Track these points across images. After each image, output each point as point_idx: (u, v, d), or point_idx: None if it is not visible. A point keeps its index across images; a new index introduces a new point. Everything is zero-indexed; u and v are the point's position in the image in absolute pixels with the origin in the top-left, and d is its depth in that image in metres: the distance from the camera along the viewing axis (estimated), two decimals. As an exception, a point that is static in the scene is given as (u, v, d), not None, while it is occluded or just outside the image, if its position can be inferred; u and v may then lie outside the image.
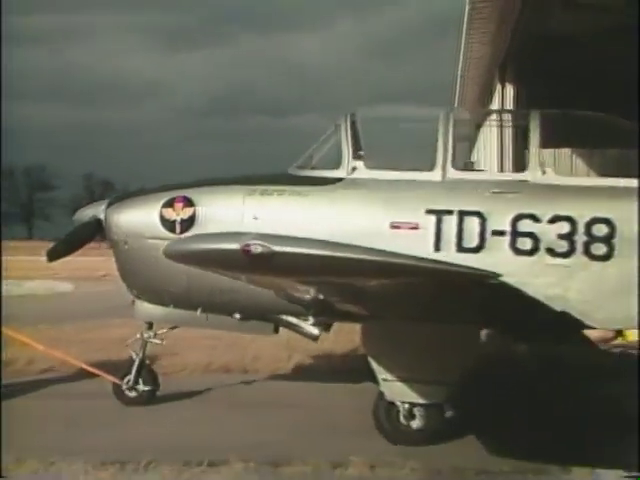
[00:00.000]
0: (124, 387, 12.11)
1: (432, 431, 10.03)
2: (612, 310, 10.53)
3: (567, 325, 10.51)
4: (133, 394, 12.16)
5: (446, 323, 9.61)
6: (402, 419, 10.10)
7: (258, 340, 13.94)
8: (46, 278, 37.91)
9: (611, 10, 16.32)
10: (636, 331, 18.47)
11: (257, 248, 7.14)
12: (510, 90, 20.17)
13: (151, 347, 12.35)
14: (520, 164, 15.89)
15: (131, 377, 12.10)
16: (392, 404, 10.08)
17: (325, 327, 11.47)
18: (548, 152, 16.83)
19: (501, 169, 18.81)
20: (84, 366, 13.24)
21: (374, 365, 10.00)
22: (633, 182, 10.67)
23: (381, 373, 9.96)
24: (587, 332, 17.02)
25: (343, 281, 8.69)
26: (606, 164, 12.48)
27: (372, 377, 10.27)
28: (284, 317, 11.42)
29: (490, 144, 21.83)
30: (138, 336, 12.11)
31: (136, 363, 12.07)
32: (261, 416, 11.42)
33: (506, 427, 10.66)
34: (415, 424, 10.10)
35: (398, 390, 10.05)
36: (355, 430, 10.42)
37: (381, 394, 10.08)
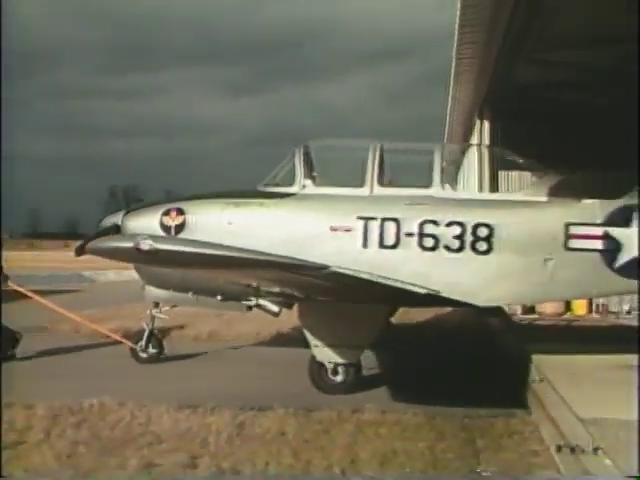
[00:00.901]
0: (138, 350, 13.43)
1: (351, 383, 10.96)
2: (492, 292, 11.74)
3: (462, 303, 11.61)
4: (144, 355, 13.46)
5: (356, 303, 10.66)
6: (329, 375, 11.01)
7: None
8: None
9: (567, 65, 16.73)
10: (583, 305, 19.15)
11: (145, 246, 7.95)
12: (487, 126, 20.42)
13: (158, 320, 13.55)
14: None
15: (143, 343, 13.45)
16: (321, 364, 11.02)
17: (287, 306, 12.29)
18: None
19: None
20: (109, 334, 14.82)
21: (307, 334, 11.03)
22: (515, 196, 12.12)
23: (312, 341, 10.94)
24: (544, 307, 17.93)
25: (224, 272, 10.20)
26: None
27: (307, 344, 11.25)
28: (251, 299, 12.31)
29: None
30: (148, 312, 13.47)
31: (146, 332, 13.46)
32: (290, 373, 11.99)
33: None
34: (338, 378, 11.01)
35: (325, 353, 10.95)
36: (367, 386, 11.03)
37: (313, 357, 11.03)
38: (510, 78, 18.22)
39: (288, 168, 12.50)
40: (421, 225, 11.70)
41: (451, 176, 12.55)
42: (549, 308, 19.32)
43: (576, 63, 16.55)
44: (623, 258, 11.44)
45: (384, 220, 11.74)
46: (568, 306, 19.51)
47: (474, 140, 22.25)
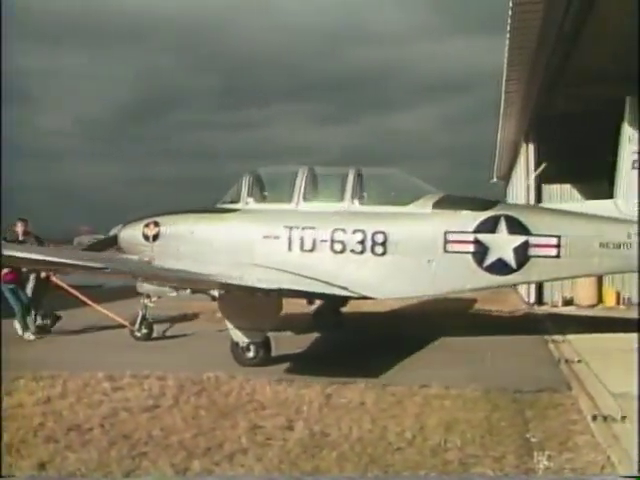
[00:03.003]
0: (134, 330, 13.74)
1: (262, 359, 11.06)
2: (388, 287, 12.28)
3: (365, 297, 12.19)
4: (138, 335, 13.71)
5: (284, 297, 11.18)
6: (243, 352, 11.12)
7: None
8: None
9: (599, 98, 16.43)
10: (613, 297, 18.69)
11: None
12: (532, 148, 20.14)
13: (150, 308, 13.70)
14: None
15: (137, 325, 13.73)
16: (237, 343, 11.14)
17: None
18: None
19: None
20: (111, 315, 15.07)
21: (226, 320, 11.24)
22: (406, 209, 12.45)
23: (229, 325, 11.12)
24: (580, 299, 17.40)
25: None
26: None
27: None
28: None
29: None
30: (141, 301, 13.70)
31: (139, 316, 13.74)
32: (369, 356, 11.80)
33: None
34: (250, 354, 11.11)
35: (238, 335, 11.09)
36: (435, 364, 10.95)
37: (231, 338, 11.18)
38: (550, 107, 17.89)
39: (237, 189, 13.36)
40: (332, 233, 12.41)
41: (360, 192, 12.84)
42: (584, 300, 18.97)
43: (608, 96, 16.27)
44: (490, 259, 11.94)
45: (304, 229, 12.55)
46: (600, 299, 19.12)
47: (521, 160, 21.97)
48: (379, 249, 12.27)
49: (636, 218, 11.87)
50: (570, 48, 13.65)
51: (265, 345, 11.18)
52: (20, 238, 14.78)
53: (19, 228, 14.95)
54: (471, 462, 6.41)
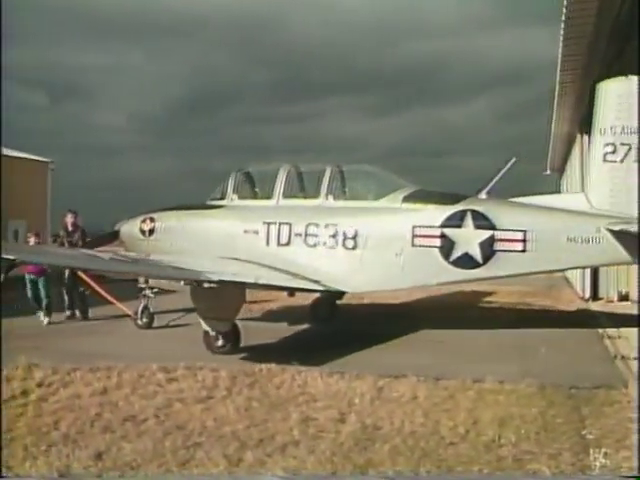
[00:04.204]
0: (137, 319, 14.30)
1: (230, 347, 11.32)
2: (358, 280, 12.43)
3: (336, 290, 12.58)
4: (140, 323, 14.25)
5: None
6: (214, 340, 11.39)
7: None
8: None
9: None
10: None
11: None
12: (586, 139, 19.75)
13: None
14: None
15: (139, 314, 14.28)
16: (207, 333, 11.42)
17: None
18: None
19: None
20: (119, 305, 15.57)
21: (197, 311, 11.55)
22: (376, 203, 12.68)
23: (200, 316, 11.44)
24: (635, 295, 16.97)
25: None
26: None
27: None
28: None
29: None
30: (143, 292, 14.19)
31: (141, 306, 14.27)
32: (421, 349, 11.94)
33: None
34: (219, 343, 11.37)
35: (208, 325, 11.39)
36: (488, 359, 10.83)
37: (203, 327, 11.44)
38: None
39: (223, 187, 13.99)
40: (306, 227, 12.74)
41: (335, 188, 13.17)
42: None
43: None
44: (456, 253, 11.96)
45: (281, 224, 12.96)
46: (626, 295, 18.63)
47: (576, 151, 21.57)
48: (350, 243, 12.56)
49: (606, 212, 11.66)
50: (627, 37, 13.29)
51: (233, 334, 11.50)
52: (69, 229, 15.92)
53: (69, 219, 16.07)
54: (526, 458, 6.28)
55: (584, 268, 12.65)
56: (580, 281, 20.10)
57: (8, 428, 6.96)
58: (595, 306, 17.98)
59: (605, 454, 6.29)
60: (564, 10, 12.17)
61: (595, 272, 18.85)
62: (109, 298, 15.62)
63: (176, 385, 8.86)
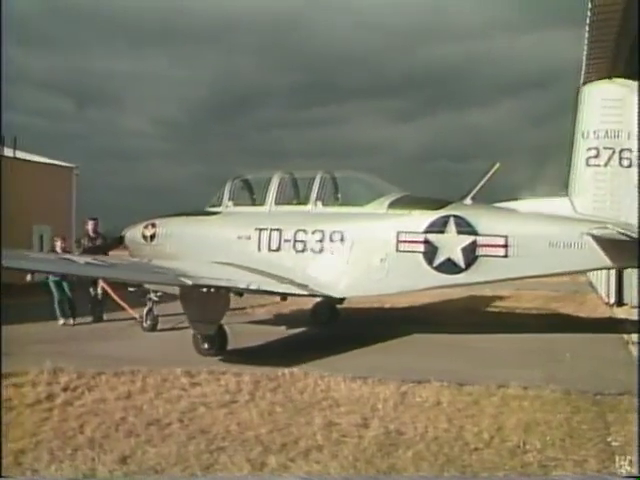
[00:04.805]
0: (142, 322, 14.81)
1: (218, 349, 11.50)
2: (344, 285, 12.55)
3: (323, 295, 12.72)
4: (145, 325, 14.74)
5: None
6: (200, 343, 11.60)
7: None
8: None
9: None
10: None
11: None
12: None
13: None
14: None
15: (143, 317, 14.81)
16: (195, 335, 11.66)
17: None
18: None
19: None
20: (128, 309, 15.92)
21: (186, 315, 11.77)
22: (362, 209, 12.84)
23: (188, 319, 11.75)
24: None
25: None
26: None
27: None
28: None
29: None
30: (148, 296, 14.58)
31: (146, 309, 14.78)
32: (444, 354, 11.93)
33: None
34: (206, 345, 11.55)
35: (194, 327, 11.65)
36: (512, 364, 10.72)
37: (192, 330, 11.76)
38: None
39: (220, 194, 14.37)
40: (295, 233, 12.94)
41: (324, 195, 13.36)
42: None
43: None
44: (439, 258, 12.00)
45: (272, 230, 13.22)
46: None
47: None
48: (336, 248, 12.73)
49: (590, 217, 11.62)
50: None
51: (219, 337, 11.62)
52: (91, 235, 16.58)
53: (90, 226, 16.70)
54: (551, 465, 6.22)
55: (567, 274, 12.60)
56: (605, 286, 19.91)
57: (34, 432, 7.02)
58: (619, 312, 17.84)
59: (630, 462, 6.22)
60: (589, 14, 12.09)
61: (619, 278, 18.68)
62: (121, 303, 16.02)
63: (200, 389, 8.88)
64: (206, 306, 11.28)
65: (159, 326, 14.83)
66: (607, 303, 19.36)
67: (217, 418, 7.62)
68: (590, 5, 11.74)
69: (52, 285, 15.70)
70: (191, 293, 11.00)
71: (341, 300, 14.75)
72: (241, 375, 9.52)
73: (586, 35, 13.13)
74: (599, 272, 21.73)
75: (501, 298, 21.29)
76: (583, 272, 12.47)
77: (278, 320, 16.29)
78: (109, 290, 16.11)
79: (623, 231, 11.02)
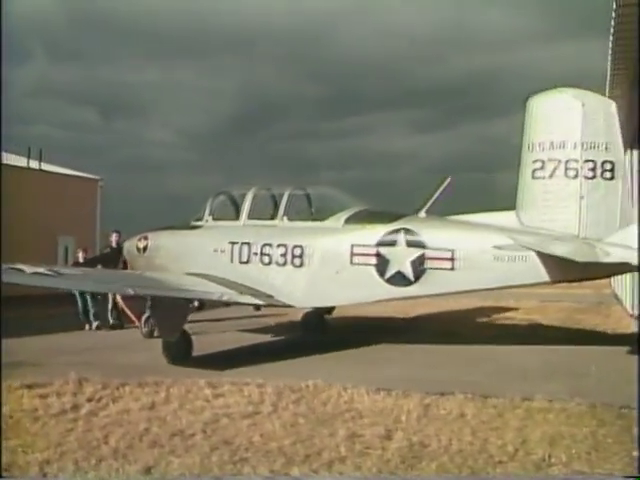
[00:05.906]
0: (141, 328, 15.61)
1: (180, 356, 11.97)
2: (305, 297, 13.01)
3: (287, 305, 13.07)
4: (143, 332, 15.48)
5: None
6: (166, 348, 12.16)
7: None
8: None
9: None
10: None
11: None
12: (637, 154, 19.40)
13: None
14: None
15: (142, 324, 15.59)
16: (167, 342, 12.21)
17: None
18: None
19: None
20: (134, 318, 16.66)
21: (156, 323, 13.01)
22: (322, 224, 13.44)
23: (157, 326, 12.91)
24: None
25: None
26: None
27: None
28: None
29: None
30: (147, 304, 14.91)
31: (144, 317, 15.45)
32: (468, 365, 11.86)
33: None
34: (172, 352, 12.04)
35: (160, 334, 12.55)
36: (538, 377, 10.66)
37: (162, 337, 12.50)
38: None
39: (203, 209, 15.11)
40: (262, 247, 13.55)
41: (290, 210, 14.01)
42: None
43: None
44: (390, 271, 12.26)
45: (242, 244, 13.79)
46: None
47: (626, 165, 21.18)
48: (297, 261, 13.20)
49: (535, 229, 11.61)
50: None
51: (184, 343, 12.15)
52: (114, 246, 17.44)
53: (113, 238, 17.62)
54: (577, 479, 6.16)
55: (513, 287, 12.49)
56: (630, 298, 19.70)
57: (58, 442, 7.05)
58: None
59: (657, 476, 6.16)
60: (612, 23, 12.05)
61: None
62: (128, 312, 16.90)
63: (223, 400, 8.89)
64: (166, 314, 12.07)
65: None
66: (632, 315, 19.14)
67: (240, 429, 7.62)
68: (614, 15, 11.70)
69: (77, 293, 16.30)
70: (153, 301, 12.15)
71: (330, 310, 15.79)
72: (264, 386, 9.53)
73: (610, 45, 13.08)
74: (624, 283, 21.55)
75: (526, 310, 21.15)
76: (529, 286, 12.19)
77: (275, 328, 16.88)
78: (119, 299, 16.91)
79: (525, 244, 11.34)
